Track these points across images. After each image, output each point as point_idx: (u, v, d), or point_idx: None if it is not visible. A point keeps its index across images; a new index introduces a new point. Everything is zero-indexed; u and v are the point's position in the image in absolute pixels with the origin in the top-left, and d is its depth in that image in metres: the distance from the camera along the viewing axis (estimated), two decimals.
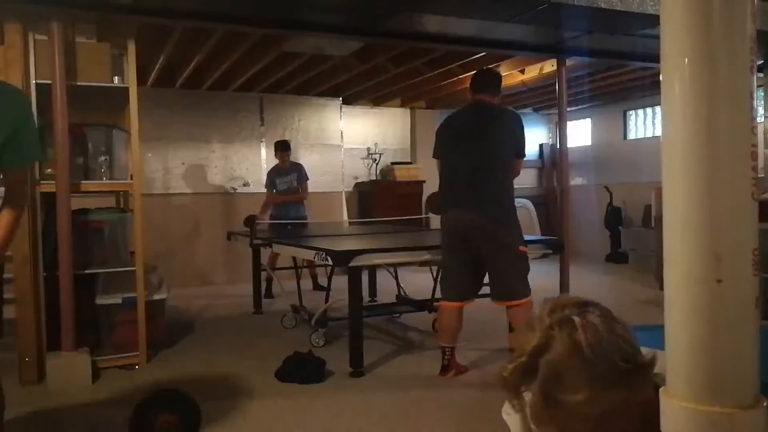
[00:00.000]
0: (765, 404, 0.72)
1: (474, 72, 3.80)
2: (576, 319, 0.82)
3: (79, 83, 3.53)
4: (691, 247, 0.71)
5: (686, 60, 0.69)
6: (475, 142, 3.35)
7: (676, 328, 0.73)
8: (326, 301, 4.38)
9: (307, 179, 6.41)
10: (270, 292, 6.01)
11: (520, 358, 0.87)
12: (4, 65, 3.32)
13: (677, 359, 0.74)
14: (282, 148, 6.37)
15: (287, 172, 6.31)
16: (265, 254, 5.46)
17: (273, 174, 6.34)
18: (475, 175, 3.32)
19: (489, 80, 3.58)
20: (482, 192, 3.32)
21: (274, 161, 6.57)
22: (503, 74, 6.56)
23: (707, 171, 0.70)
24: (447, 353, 3.43)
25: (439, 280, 3.78)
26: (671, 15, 0.71)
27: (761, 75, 5.85)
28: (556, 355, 0.81)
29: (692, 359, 0.72)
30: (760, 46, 4.91)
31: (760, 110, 6.90)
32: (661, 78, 0.71)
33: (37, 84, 3.42)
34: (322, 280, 5.76)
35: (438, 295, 4.60)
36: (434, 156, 3.60)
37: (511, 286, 3.33)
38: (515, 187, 3.54)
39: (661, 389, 0.75)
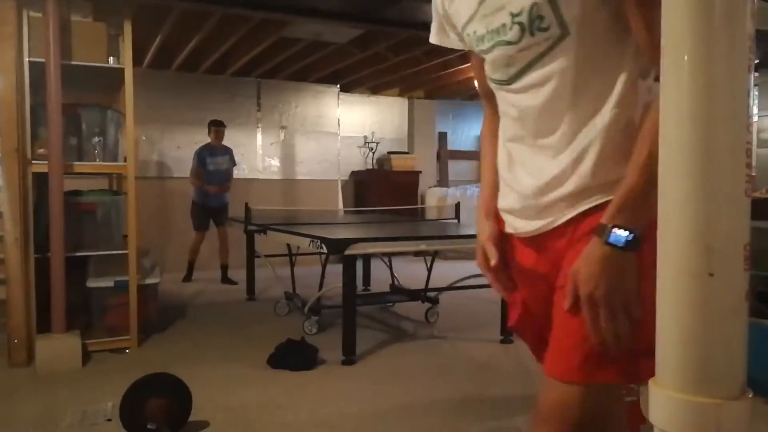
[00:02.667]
0: (750, 396, 0.72)
1: None
2: None
3: (73, 63, 3.49)
4: (684, 241, 0.71)
5: (685, 56, 0.69)
6: None
7: (667, 320, 0.73)
8: (320, 288, 4.39)
9: (235, 165, 6.32)
10: (190, 276, 6.22)
11: None
12: None
13: (667, 350, 0.74)
14: (217, 124, 6.18)
15: (220, 153, 6.16)
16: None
17: (204, 152, 6.11)
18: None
19: None
20: None
21: (270, 147, 6.57)
22: None
23: (704, 166, 0.70)
24: None
25: None
26: (672, 11, 0.70)
27: (757, 74, 5.86)
28: None
29: (682, 350, 0.72)
30: (757, 45, 4.92)
31: (755, 109, 6.93)
32: (660, 79, 0.71)
33: (30, 62, 3.38)
34: (232, 274, 5.99)
35: (432, 283, 4.62)
36: None
37: None
38: None
39: (650, 380, 0.76)
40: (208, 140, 6.15)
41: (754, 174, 5.97)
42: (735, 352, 0.68)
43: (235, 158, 6.33)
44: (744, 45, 0.65)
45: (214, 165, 6.07)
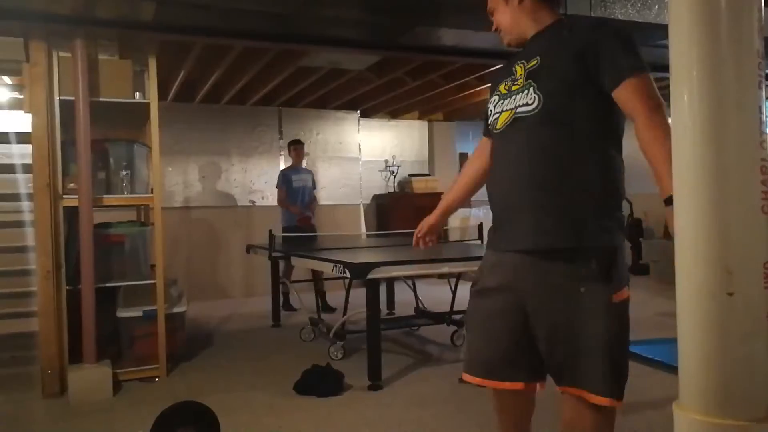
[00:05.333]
0: None
1: None
2: None
3: (101, 99, 3.60)
4: (702, 260, 0.71)
5: (694, 73, 0.70)
6: None
7: (687, 342, 0.73)
8: (344, 313, 4.39)
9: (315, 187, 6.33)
10: (288, 304, 6.01)
11: None
12: (29, 82, 3.41)
13: (689, 372, 0.73)
14: (296, 143, 6.23)
15: (303, 171, 6.23)
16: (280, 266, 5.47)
17: (288, 172, 6.18)
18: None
19: None
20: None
21: None
22: None
23: (717, 185, 0.70)
24: None
25: None
26: (679, 30, 0.71)
27: None
28: None
29: (704, 372, 0.71)
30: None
31: None
32: (670, 92, 0.72)
33: (60, 100, 3.50)
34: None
35: (457, 305, 4.59)
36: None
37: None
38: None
39: (674, 403, 0.75)
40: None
41: None
42: (758, 372, 0.67)
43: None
44: (753, 62, 0.66)
45: (300, 182, 6.10)
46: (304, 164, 6.48)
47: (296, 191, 6.14)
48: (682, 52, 0.71)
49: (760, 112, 0.71)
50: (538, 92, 1.68)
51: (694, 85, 0.69)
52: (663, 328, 4.66)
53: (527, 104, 1.69)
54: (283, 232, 5.94)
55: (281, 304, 5.67)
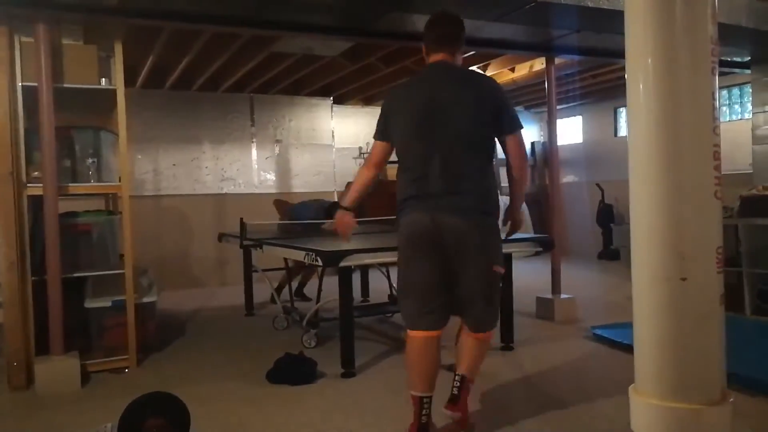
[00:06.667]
0: (731, 400, 0.72)
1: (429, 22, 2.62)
2: None
3: (65, 85, 3.51)
4: (656, 245, 0.72)
5: (649, 61, 0.70)
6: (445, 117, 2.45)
7: (642, 326, 0.74)
8: (317, 301, 4.38)
9: None
10: (302, 291, 5.76)
11: None
12: None
13: (644, 357, 0.74)
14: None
15: None
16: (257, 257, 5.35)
17: None
18: (446, 162, 2.43)
19: (451, 32, 2.58)
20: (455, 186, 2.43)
21: (265, 162, 6.49)
22: (493, 73, 6.59)
23: (670, 171, 0.71)
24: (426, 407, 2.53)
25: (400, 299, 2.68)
26: (634, 16, 0.71)
27: (748, 71, 5.87)
28: None
29: (659, 357, 0.72)
30: (748, 44, 4.93)
31: (748, 106, 6.95)
32: (626, 79, 0.72)
33: (23, 86, 3.40)
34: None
35: None
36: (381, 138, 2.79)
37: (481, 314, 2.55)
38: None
39: (630, 387, 0.76)
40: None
41: (750, 171, 5.97)
42: (712, 356, 0.68)
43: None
44: (706, 49, 0.67)
45: None
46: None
47: None
48: (636, 37, 0.71)
49: (713, 98, 0.72)
50: None
51: (649, 70, 0.69)
52: (631, 313, 4.75)
53: None
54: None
55: (294, 291, 5.39)
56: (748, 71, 5.88)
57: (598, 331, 4.14)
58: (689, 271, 0.70)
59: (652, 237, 0.69)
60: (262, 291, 5.48)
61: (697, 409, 0.69)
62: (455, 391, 2.58)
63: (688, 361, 0.70)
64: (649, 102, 0.66)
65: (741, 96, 7.52)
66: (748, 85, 6.50)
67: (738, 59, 5.69)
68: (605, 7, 3.64)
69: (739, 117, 7.48)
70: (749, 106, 6.71)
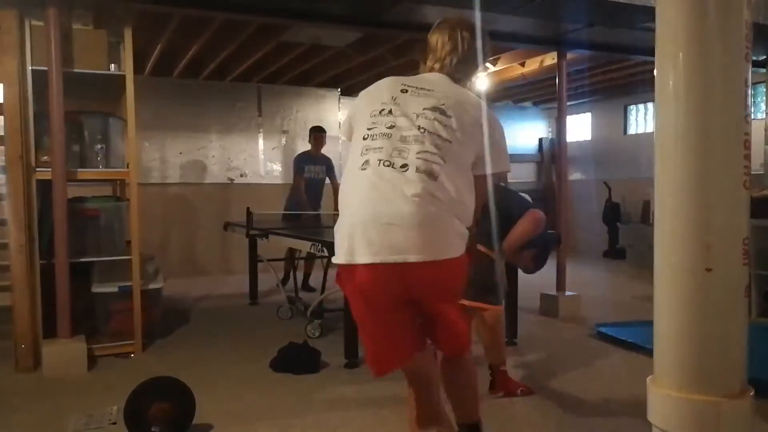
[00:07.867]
0: (751, 394, 0.71)
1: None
2: None
3: (75, 70, 3.51)
4: (681, 235, 0.71)
5: (680, 50, 0.69)
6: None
7: (664, 318, 0.72)
8: (322, 292, 4.38)
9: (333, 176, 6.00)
10: (307, 283, 5.82)
11: None
12: (0, 51, 3.30)
13: (665, 348, 0.73)
14: (317, 130, 5.95)
15: (319, 162, 5.95)
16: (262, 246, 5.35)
17: (304, 159, 5.92)
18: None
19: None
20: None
21: (271, 152, 6.48)
22: (503, 67, 6.55)
23: (699, 159, 0.69)
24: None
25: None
26: (667, 4, 0.70)
27: (763, 70, 5.81)
28: None
29: (680, 348, 0.71)
30: (764, 42, 4.88)
31: (762, 106, 6.89)
32: (655, 68, 0.70)
33: (33, 70, 3.40)
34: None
35: None
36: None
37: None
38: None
39: (648, 378, 0.75)
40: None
41: (761, 172, 5.92)
42: (734, 348, 0.67)
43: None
44: (740, 34, 0.64)
45: (310, 173, 5.84)
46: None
47: (306, 182, 5.87)
48: (668, 22, 0.69)
49: (746, 85, 0.70)
50: None
51: (682, 53, 0.68)
52: (638, 311, 4.74)
53: None
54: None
55: (301, 284, 5.45)
56: (763, 70, 5.82)
57: (603, 329, 4.12)
58: (714, 262, 0.69)
59: (678, 226, 0.68)
60: (266, 280, 5.48)
61: (716, 402, 0.68)
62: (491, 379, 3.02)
63: (709, 353, 0.69)
64: (679, 89, 0.64)
65: (754, 96, 7.46)
66: (762, 85, 6.43)
67: (753, 58, 5.63)
68: (620, 0, 3.61)
69: (753, 117, 7.42)
70: (762, 106, 6.66)
